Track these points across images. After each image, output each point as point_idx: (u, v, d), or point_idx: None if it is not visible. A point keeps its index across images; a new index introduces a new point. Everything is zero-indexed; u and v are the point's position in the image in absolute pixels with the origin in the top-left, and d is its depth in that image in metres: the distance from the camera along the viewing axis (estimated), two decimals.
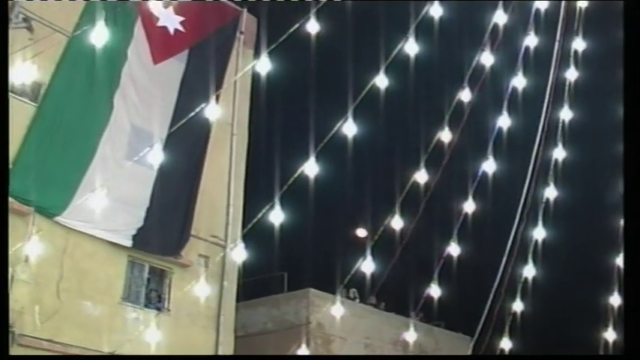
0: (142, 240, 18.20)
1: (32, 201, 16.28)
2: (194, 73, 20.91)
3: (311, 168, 13.80)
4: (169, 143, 18.72)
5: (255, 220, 14.42)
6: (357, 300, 24.05)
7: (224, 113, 21.04)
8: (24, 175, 16.35)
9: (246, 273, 20.01)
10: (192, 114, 14.77)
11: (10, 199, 15.92)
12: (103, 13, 15.41)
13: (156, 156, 14.57)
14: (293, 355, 18.51)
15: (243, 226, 20.57)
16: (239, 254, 15.76)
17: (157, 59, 20.28)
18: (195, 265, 19.22)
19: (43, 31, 17.28)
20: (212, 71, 20.55)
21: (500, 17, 16.37)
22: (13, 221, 15.68)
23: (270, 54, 13.80)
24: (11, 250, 14.66)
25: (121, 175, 17.67)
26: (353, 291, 23.70)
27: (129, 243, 18.00)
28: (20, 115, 16.75)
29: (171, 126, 19.14)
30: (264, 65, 13.68)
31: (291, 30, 13.38)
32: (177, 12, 20.83)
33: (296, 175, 13.84)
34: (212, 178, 20.54)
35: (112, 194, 17.18)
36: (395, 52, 14.18)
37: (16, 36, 16.80)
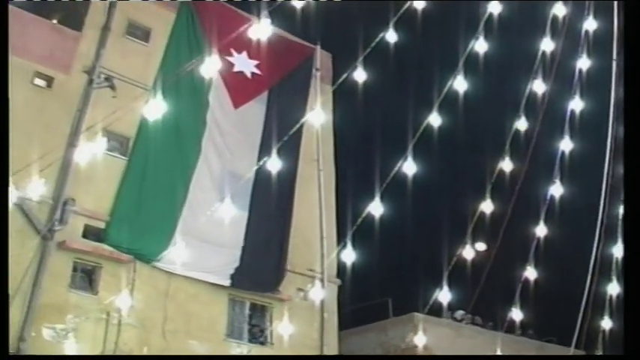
0: (240, 279, 19.34)
1: (131, 249, 17.66)
2: (275, 113, 22.09)
3: (376, 207, 14.34)
4: (258, 183, 20.15)
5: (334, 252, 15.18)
6: (465, 321, 24.33)
7: (309, 149, 22.31)
8: (121, 225, 17.86)
9: (352, 300, 20.88)
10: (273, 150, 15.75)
11: (110, 249, 17.52)
12: (179, 65, 17.00)
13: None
14: (307, 356, 19.10)
15: (338, 256, 21.58)
16: (325, 290, 16.68)
17: (237, 104, 21.62)
18: (294, 299, 20.17)
19: (125, 87, 18.84)
20: (292, 110, 21.68)
21: (548, 44, 16.65)
22: (114, 269, 17.28)
23: (347, 89, 14.81)
24: (116, 297, 16.14)
25: (213, 218, 18.92)
26: (460, 313, 24.04)
27: (227, 282, 19.16)
28: (112, 169, 18.35)
29: (259, 167, 20.43)
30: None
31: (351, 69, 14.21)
32: (252, 56, 22.21)
33: (364, 214, 14.42)
34: (303, 213, 21.52)
35: (207, 237, 18.62)
36: (446, 88, 14.72)
37: (99, 95, 18.57)
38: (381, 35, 14.07)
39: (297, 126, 19.37)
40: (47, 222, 16.80)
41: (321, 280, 20.48)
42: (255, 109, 22.04)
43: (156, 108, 11.66)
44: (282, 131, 20.67)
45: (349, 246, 14.86)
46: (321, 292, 18.92)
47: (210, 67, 13.32)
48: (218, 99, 21.22)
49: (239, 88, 21.72)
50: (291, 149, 21.90)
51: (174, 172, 19.48)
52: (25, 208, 16.43)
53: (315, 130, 22.73)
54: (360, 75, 14.49)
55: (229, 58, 21.69)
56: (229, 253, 19.52)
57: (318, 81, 23.60)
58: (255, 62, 22.38)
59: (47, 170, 14.44)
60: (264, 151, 20.85)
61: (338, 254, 21.37)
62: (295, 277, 20.54)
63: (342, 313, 21.04)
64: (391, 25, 13.95)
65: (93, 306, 16.59)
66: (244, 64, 22.23)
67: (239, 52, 22.05)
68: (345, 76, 14.80)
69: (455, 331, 22.58)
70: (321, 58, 24.13)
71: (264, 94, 22.51)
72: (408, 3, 13.69)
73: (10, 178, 14.84)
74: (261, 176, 19.78)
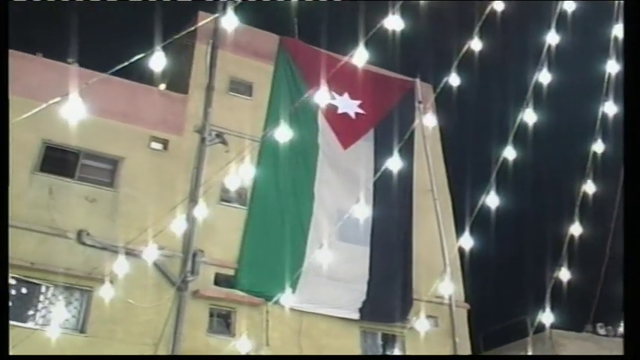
0: (368, 312, 20.32)
1: (262, 292, 18.93)
2: (383, 149, 23.17)
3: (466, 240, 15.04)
4: (377, 218, 21.26)
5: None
6: (608, 334, 24.29)
7: (421, 180, 23.30)
8: (249, 270, 19.27)
9: (487, 322, 21.44)
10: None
11: (242, 294, 18.90)
12: (285, 113, 18.43)
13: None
14: (309, 356, 19.44)
15: (464, 281, 22.34)
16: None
17: (345, 144, 22.91)
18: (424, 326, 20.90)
19: (235, 140, 20.39)
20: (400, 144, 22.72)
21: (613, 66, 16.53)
22: (248, 312, 18.57)
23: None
24: (254, 338, 17.41)
25: (337, 256, 20.10)
26: (600, 325, 24.07)
27: (357, 316, 20.17)
28: (234, 219, 19.88)
29: (375, 203, 21.62)
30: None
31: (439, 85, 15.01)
32: (353, 97, 23.55)
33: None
34: (423, 242, 22.35)
35: (333, 274, 19.69)
36: (517, 121, 15.19)
37: (213, 152, 20.18)
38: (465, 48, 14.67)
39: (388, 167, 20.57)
40: (180, 274, 18.35)
41: (450, 306, 21.31)
42: (364, 148, 23.20)
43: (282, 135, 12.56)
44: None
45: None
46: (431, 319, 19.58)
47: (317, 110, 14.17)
48: (327, 141, 22.55)
49: (345, 129, 23.03)
50: (404, 182, 23.03)
51: (293, 216, 20.78)
52: (158, 263, 17.99)
53: (425, 161, 23.91)
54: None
55: (332, 102, 23.13)
56: (356, 288, 20.54)
57: (421, 112, 24.63)
58: (358, 102, 23.73)
59: (173, 226, 15.88)
60: (378, 187, 21.98)
61: (464, 278, 22.29)
62: (423, 304, 21.29)
63: (473, 338, 21.65)
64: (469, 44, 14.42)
65: (232, 348, 17.88)
66: (347, 105, 23.60)
67: (340, 94, 23.44)
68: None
69: (596, 344, 22.69)
70: (422, 89, 25.21)
71: (371, 132, 23.71)
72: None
73: (139, 237, 16.64)
74: (380, 212, 21.02)
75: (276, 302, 18.97)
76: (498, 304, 24.58)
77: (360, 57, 10.69)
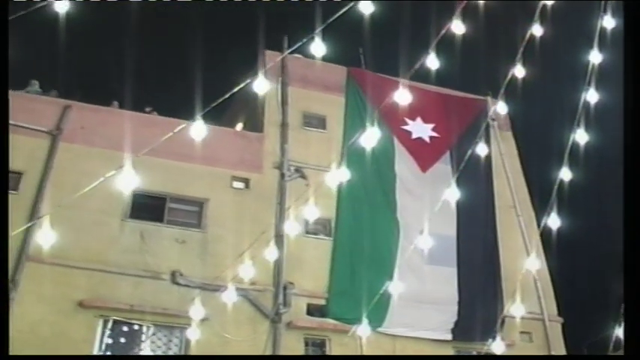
0: (460, 331, 20.98)
1: (354, 320, 19.75)
2: (463, 169, 23.96)
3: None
4: (461, 239, 22.07)
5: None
6: None
7: (503, 196, 23.95)
8: (340, 299, 20.19)
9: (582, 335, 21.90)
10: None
11: (334, 322, 19.82)
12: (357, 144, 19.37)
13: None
14: (296, 355, 19.74)
15: (556, 295, 22.81)
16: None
17: (424, 168, 23.75)
18: (518, 343, 21.42)
19: (314, 173, 21.40)
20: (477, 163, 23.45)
21: None
22: (342, 339, 19.42)
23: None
24: None
25: (425, 279, 21.03)
26: None
27: (449, 337, 20.85)
28: (321, 250, 20.89)
29: (458, 223, 22.47)
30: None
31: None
32: (426, 120, 24.44)
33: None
34: (510, 259, 22.82)
35: (422, 297, 20.57)
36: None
37: (293, 186, 21.22)
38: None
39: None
40: (273, 307, 19.39)
41: (543, 321, 21.81)
42: (442, 170, 23.90)
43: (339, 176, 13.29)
44: (472, 185, 22.63)
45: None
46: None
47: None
48: (405, 167, 23.39)
49: (422, 154, 23.85)
50: (486, 200, 23.77)
51: (377, 243, 21.62)
52: (250, 298, 19.10)
53: (505, 178, 24.55)
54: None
55: (405, 127, 24.09)
56: (446, 309, 21.22)
57: (497, 130, 25.33)
58: (431, 125, 24.60)
59: (262, 261, 16.86)
60: (460, 207, 22.71)
61: (556, 292, 22.77)
62: (516, 321, 21.80)
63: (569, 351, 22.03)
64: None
65: None
66: (421, 129, 24.48)
67: (413, 119, 24.36)
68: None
69: None
70: (494, 106, 25.86)
71: (447, 155, 24.50)
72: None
73: (230, 273, 17.65)
74: (464, 231, 21.80)
75: (369, 328, 20.08)
76: (587, 318, 24.82)
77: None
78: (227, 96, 10.05)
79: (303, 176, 21.64)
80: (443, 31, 11.42)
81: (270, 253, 15.92)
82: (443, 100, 25.64)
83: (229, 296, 15.46)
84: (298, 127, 23.35)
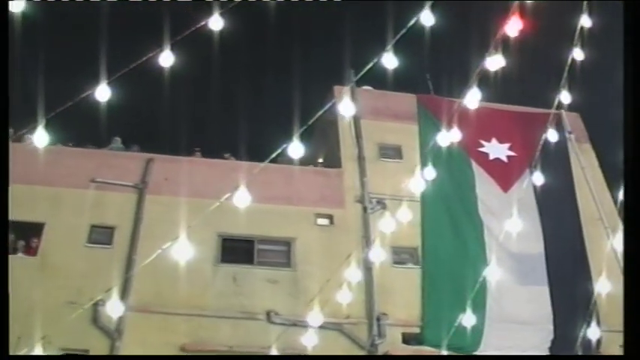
0: (558, 350, 21.27)
1: (450, 345, 20.26)
2: (543, 186, 24.38)
3: None
4: (550, 256, 22.48)
5: None
6: None
7: (588, 209, 24.28)
8: (434, 326, 20.62)
9: None
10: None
11: (430, 349, 20.40)
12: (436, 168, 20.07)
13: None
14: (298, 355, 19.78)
15: None
16: None
17: (505, 188, 24.20)
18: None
19: (396, 203, 22.02)
20: (559, 178, 23.82)
21: None
22: None
23: None
24: None
25: (518, 299, 21.47)
26: None
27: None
28: (410, 279, 21.52)
29: (545, 241, 22.87)
30: None
31: None
32: (502, 140, 24.97)
33: None
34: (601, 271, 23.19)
35: (516, 318, 21.02)
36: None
37: (376, 218, 21.85)
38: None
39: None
40: (368, 338, 20.08)
41: None
42: (523, 188, 24.38)
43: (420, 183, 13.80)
44: (556, 201, 23.11)
45: None
46: None
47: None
48: (486, 189, 23.81)
49: (502, 174, 24.24)
50: (572, 215, 24.10)
51: (466, 267, 22.00)
52: (345, 331, 19.85)
53: (588, 190, 24.84)
54: None
55: (482, 150, 24.68)
56: (543, 328, 21.53)
57: (574, 143, 25.65)
58: (507, 145, 25.08)
59: (354, 294, 17.57)
60: (545, 224, 23.18)
61: None
62: (616, 335, 22.06)
63: None
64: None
65: None
66: (497, 150, 24.97)
67: (488, 140, 24.93)
68: None
69: None
70: (570, 119, 26.26)
71: (527, 172, 24.90)
72: None
73: (320, 305, 18.36)
74: (551, 248, 22.20)
75: (466, 352, 20.61)
76: None
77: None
78: (304, 128, 10.53)
79: (385, 207, 22.32)
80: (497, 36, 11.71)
81: (355, 276, 16.51)
82: (514, 117, 26.09)
83: (314, 321, 15.81)
84: (375, 159, 24.13)
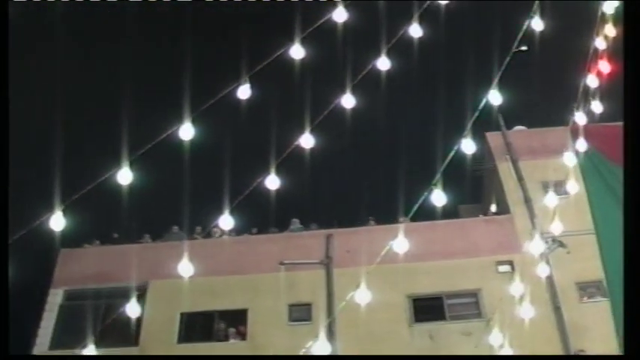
0: None
1: None
2: None
3: None
4: None
5: None
6: None
7: None
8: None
9: None
10: None
11: None
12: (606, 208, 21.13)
13: None
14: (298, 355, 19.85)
15: None
16: None
17: None
18: None
19: (571, 239, 23.03)
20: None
21: None
22: None
23: None
24: None
25: None
26: None
27: None
28: (601, 312, 22.09)
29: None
30: None
31: None
32: None
33: None
34: None
35: None
36: None
37: (557, 256, 22.89)
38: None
39: None
40: None
41: None
42: None
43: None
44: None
45: None
46: None
47: None
48: None
49: None
50: None
51: None
52: None
53: None
54: None
55: None
56: None
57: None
58: None
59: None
60: None
61: None
62: None
63: None
64: None
65: None
66: None
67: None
68: None
69: None
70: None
71: None
72: None
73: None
74: None
75: None
76: None
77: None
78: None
79: (562, 245, 23.37)
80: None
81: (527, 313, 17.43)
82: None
83: None
84: (540, 197, 25.31)
